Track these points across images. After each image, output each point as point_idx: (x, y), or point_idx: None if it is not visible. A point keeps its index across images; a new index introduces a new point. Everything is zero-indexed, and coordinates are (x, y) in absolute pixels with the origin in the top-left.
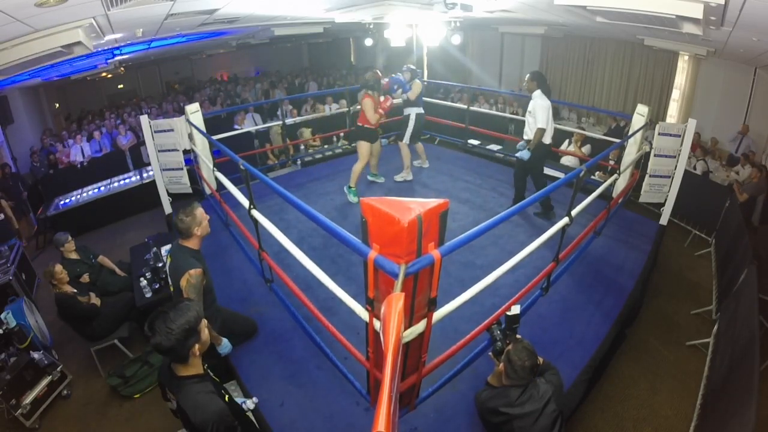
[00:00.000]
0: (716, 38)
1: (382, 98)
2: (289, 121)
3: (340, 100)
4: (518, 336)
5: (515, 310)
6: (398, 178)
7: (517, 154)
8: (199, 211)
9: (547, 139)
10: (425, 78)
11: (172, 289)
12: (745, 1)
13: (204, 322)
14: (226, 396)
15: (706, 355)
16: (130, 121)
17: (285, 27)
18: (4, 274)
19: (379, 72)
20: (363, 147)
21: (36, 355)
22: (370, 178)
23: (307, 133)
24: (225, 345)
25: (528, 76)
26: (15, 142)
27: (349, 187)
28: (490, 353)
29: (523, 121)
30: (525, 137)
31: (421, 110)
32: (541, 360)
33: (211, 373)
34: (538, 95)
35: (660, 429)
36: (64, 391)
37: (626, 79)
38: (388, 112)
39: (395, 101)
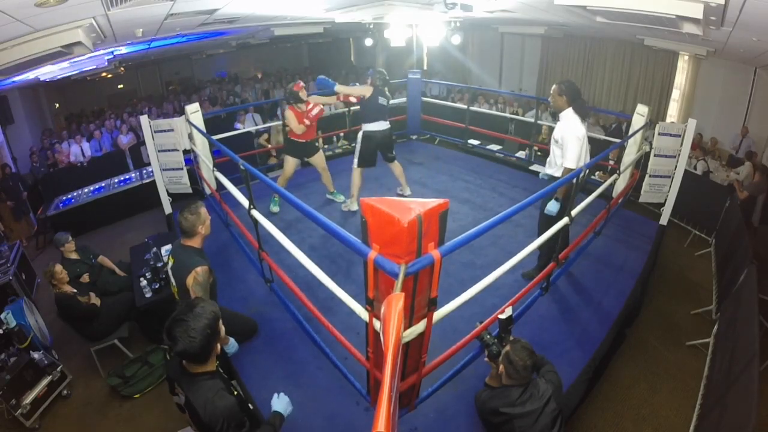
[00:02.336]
0: (716, 38)
1: (309, 107)
2: None
3: None
4: (512, 337)
5: (508, 312)
6: (343, 207)
7: (546, 210)
8: (203, 210)
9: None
10: (424, 77)
11: (175, 289)
12: (745, 1)
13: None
14: (235, 392)
15: (706, 355)
16: (130, 120)
17: (285, 27)
18: (4, 274)
19: (300, 83)
20: (288, 162)
21: (36, 355)
22: (328, 197)
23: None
24: (232, 344)
25: (554, 88)
26: (15, 142)
27: (273, 198)
28: (486, 358)
29: (523, 122)
30: (547, 169)
31: (373, 126)
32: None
33: (221, 370)
34: (569, 116)
35: (660, 429)
36: (64, 391)
37: (626, 79)
38: (317, 120)
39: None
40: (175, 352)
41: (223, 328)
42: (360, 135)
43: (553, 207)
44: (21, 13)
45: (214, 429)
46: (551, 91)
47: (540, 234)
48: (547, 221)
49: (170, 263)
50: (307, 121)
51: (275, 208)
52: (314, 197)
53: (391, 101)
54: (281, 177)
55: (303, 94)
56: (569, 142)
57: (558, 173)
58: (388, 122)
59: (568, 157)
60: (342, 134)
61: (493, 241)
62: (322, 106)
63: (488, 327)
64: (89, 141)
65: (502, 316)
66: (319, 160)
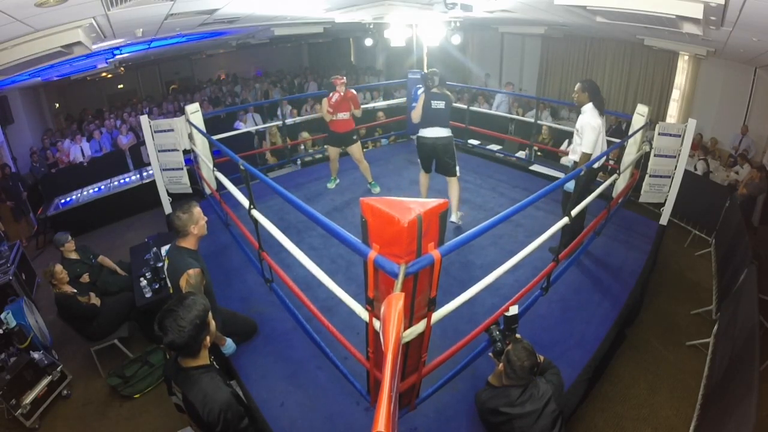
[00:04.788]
0: (716, 38)
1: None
2: (288, 121)
3: None
4: (518, 336)
5: (513, 310)
6: None
7: (565, 187)
8: (197, 210)
9: (595, 163)
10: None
11: (171, 291)
12: (745, 1)
13: (210, 313)
14: (230, 383)
15: (706, 355)
16: (130, 120)
17: (285, 27)
18: (4, 274)
19: (341, 77)
20: (329, 150)
21: (36, 355)
22: (368, 186)
23: (305, 135)
24: (229, 345)
25: (578, 85)
26: (15, 142)
27: (331, 178)
28: (491, 353)
29: (523, 122)
30: (571, 155)
31: (423, 133)
32: (541, 358)
33: (215, 364)
34: (588, 110)
35: (660, 429)
36: (64, 391)
37: (626, 79)
38: (336, 109)
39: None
40: (164, 342)
41: (213, 323)
42: (415, 141)
43: (570, 184)
44: (21, 13)
45: (214, 425)
46: (575, 89)
47: (564, 213)
48: (568, 200)
49: (165, 264)
50: (330, 110)
51: (331, 185)
52: (314, 197)
53: (394, 101)
54: (331, 164)
55: (340, 88)
56: (586, 131)
57: (577, 158)
58: (445, 129)
59: (585, 143)
60: None
61: (493, 241)
62: (340, 94)
63: (498, 321)
64: (89, 141)
65: (507, 314)
66: (355, 150)
